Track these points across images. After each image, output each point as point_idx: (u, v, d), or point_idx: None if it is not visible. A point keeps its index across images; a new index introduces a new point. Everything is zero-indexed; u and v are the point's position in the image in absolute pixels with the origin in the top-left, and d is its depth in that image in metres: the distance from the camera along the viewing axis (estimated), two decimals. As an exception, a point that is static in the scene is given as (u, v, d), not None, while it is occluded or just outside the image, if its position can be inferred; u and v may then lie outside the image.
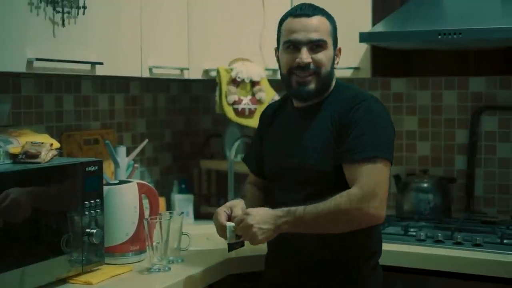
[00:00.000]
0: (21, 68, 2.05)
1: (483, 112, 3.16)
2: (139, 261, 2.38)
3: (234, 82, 2.99)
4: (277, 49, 2.28)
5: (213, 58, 3.00)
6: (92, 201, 2.19)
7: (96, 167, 2.21)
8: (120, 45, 2.47)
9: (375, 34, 2.78)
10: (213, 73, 3.02)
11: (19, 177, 1.96)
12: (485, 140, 3.18)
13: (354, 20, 2.94)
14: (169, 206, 3.21)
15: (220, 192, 3.40)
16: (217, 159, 3.45)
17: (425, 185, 3.04)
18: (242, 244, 2.14)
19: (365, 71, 2.98)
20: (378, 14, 2.95)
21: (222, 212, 2.17)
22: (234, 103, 2.99)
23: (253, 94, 3.00)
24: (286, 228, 2.05)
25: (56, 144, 2.20)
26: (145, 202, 2.48)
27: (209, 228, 3.01)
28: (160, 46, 2.71)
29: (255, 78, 2.99)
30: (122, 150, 2.65)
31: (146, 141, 2.81)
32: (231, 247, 2.13)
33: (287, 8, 3.01)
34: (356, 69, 2.98)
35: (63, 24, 2.17)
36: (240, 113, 3.00)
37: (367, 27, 2.91)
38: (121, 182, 2.45)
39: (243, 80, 2.97)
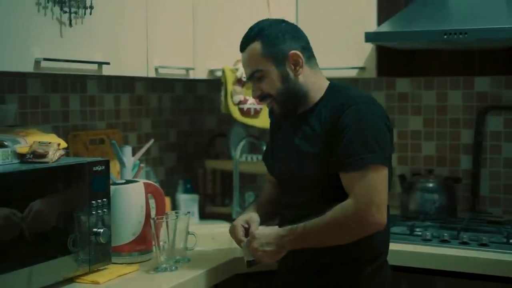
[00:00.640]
0: (29, 68, 2.05)
1: (488, 112, 3.16)
2: (145, 261, 2.38)
3: (239, 82, 2.99)
4: None
5: (219, 58, 3.00)
6: (99, 201, 2.19)
7: (103, 167, 2.21)
8: (126, 45, 2.48)
9: (381, 34, 2.78)
10: (219, 73, 3.02)
11: (27, 177, 1.96)
12: (490, 140, 3.18)
13: (359, 20, 2.95)
14: (174, 206, 3.21)
15: (225, 192, 3.40)
16: (222, 159, 3.45)
17: (431, 185, 3.04)
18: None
19: (370, 71, 2.98)
20: (383, 14, 2.95)
21: (239, 226, 2.21)
22: (240, 103, 2.99)
23: (259, 94, 3.00)
24: (292, 246, 2.08)
25: (64, 144, 2.21)
26: (151, 202, 2.48)
27: (214, 228, 3.04)
28: (166, 46, 2.72)
29: (261, 78, 2.98)
30: (128, 150, 2.66)
31: (152, 141, 2.81)
32: (249, 264, 2.17)
33: (292, 7, 3.05)
34: (362, 69, 2.97)
35: (70, 24, 2.18)
36: (245, 113, 3.00)
37: (372, 27, 2.91)
38: (128, 181, 2.45)
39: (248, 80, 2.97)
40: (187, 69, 2.88)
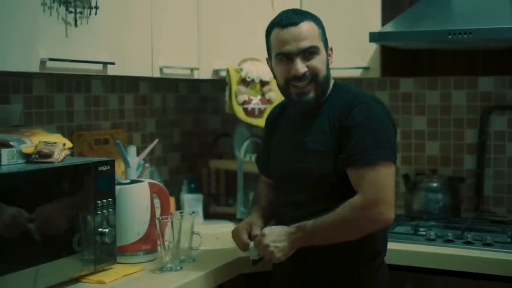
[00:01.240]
0: (34, 68, 2.06)
1: (492, 112, 3.16)
2: (150, 261, 2.39)
3: (244, 82, 2.99)
4: (268, 60, 2.27)
5: (223, 58, 3.01)
6: (104, 201, 2.20)
7: (108, 167, 2.22)
8: (131, 45, 2.48)
9: (386, 34, 2.78)
10: (223, 73, 3.02)
11: (33, 177, 1.97)
12: (494, 140, 3.18)
13: (364, 20, 2.95)
14: (178, 206, 3.22)
15: (229, 191, 3.40)
16: (226, 159, 3.45)
17: (434, 184, 3.04)
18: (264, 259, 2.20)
19: (374, 71, 2.98)
20: (387, 14, 2.95)
21: (243, 229, 2.23)
22: (244, 103, 3.00)
23: (263, 94, 3.01)
24: (300, 243, 2.09)
25: (69, 144, 2.21)
26: (156, 202, 2.48)
27: (218, 227, 3.04)
28: (171, 46, 2.72)
29: (265, 78, 2.99)
30: (132, 149, 2.66)
31: (156, 141, 2.81)
32: (254, 262, 2.20)
33: (297, 6, 3.04)
34: (366, 69, 2.98)
35: (76, 24, 2.18)
36: (250, 113, 3.01)
37: (377, 27, 2.91)
38: (133, 181, 2.46)
39: (252, 80, 2.98)
40: (192, 69, 2.89)
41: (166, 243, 2.29)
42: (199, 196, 3.25)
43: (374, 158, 2.04)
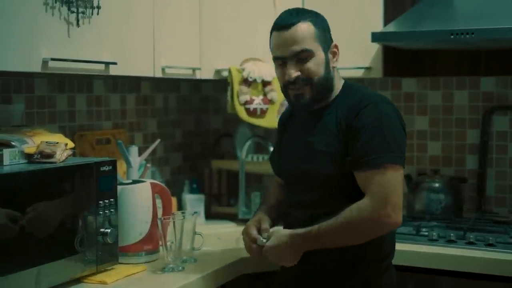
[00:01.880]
0: (36, 68, 2.06)
1: (494, 112, 3.15)
2: (152, 261, 2.39)
3: (245, 82, 2.99)
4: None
5: (225, 58, 3.01)
6: (106, 201, 2.20)
7: (110, 167, 2.21)
8: (133, 45, 2.48)
9: (388, 34, 2.78)
10: (225, 73, 3.02)
11: (35, 177, 1.96)
12: (496, 140, 3.17)
13: (366, 20, 2.95)
14: (180, 206, 3.21)
15: (231, 192, 3.40)
16: (228, 159, 3.45)
17: (436, 185, 3.04)
18: None
19: (376, 71, 2.98)
20: (389, 14, 2.95)
21: (252, 226, 2.23)
22: (246, 103, 2.99)
23: (265, 94, 3.00)
24: (307, 248, 2.09)
25: (71, 144, 2.21)
26: (158, 202, 2.48)
27: (220, 228, 3.04)
28: (172, 46, 2.72)
29: (267, 78, 2.99)
30: (134, 150, 2.66)
31: (158, 141, 2.81)
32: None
33: (299, 6, 3.04)
34: (368, 69, 2.98)
35: (78, 24, 2.18)
36: (252, 113, 3.00)
37: (379, 27, 2.91)
38: (135, 181, 2.46)
39: (254, 80, 2.98)
40: (194, 69, 2.88)
41: (168, 243, 2.29)
42: (201, 196, 3.25)
43: (382, 161, 2.01)
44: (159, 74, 2.64)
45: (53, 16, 2.10)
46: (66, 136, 2.39)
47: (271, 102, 2.99)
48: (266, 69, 2.98)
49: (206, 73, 2.97)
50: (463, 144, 3.24)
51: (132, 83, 3.12)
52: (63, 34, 2.14)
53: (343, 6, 3.01)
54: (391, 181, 2.01)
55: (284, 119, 2.39)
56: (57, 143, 2.12)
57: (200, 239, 2.43)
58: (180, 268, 2.29)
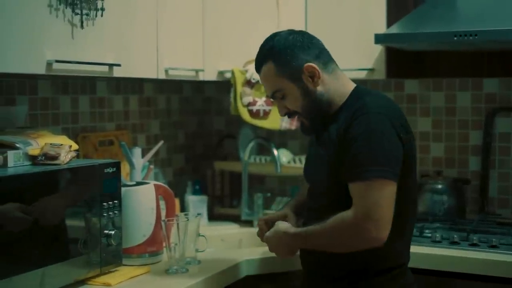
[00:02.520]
0: (41, 70, 2.06)
1: (497, 113, 3.15)
2: (155, 263, 2.39)
3: (248, 83, 2.99)
4: None
5: (228, 59, 3.01)
6: (110, 203, 2.20)
7: (115, 169, 2.21)
8: (136, 47, 2.48)
9: (391, 35, 2.78)
10: (228, 75, 3.02)
11: (39, 179, 1.97)
12: (499, 141, 3.17)
13: (369, 22, 2.95)
14: (183, 207, 3.21)
15: (234, 193, 3.41)
16: (231, 160, 3.46)
17: (439, 186, 3.04)
18: None
19: (379, 72, 2.98)
20: (392, 16, 2.95)
21: (263, 225, 2.29)
22: (249, 104, 3.00)
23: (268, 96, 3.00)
24: (300, 247, 2.13)
25: (75, 146, 2.21)
26: (161, 204, 2.48)
27: (223, 229, 3.05)
28: (176, 47, 2.72)
29: (270, 80, 2.98)
30: (137, 151, 2.66)
31: (161, 142, 2.81)
32: None
33: (301, 8, 3.05)
34: (371, 70, 2.98)
35: (82, 26, 2.18)
36: (255, 114, 3.00)
37: (382, 28, 2.91)
38: (138, 183, 2.46)
39: (257, 81, 2.98)
40: (197, 71, 2.89)
41: (171, 245, 2.29)
42: (204, 198, 3.25)
43: (368, 175, 1.92)
44: (162, 76, 2.64)
45: (57, 18, 2.10)
46: (69, 137, 2.39)
47: (274, 103, 2.99)
48: (269, 71, 2.97)
49: (209, 75, 2.97)
50: (466, 146, 3.24)
51: (135, 84, 3.12)
52: (67, 36, 2.14)
53: (346, 8, 3.01)
54: (376, 196, 1.92)
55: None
56: (61, 145, 2.12)
57: (204, 241, 2.43)
58: (184, 269, 2.29)
